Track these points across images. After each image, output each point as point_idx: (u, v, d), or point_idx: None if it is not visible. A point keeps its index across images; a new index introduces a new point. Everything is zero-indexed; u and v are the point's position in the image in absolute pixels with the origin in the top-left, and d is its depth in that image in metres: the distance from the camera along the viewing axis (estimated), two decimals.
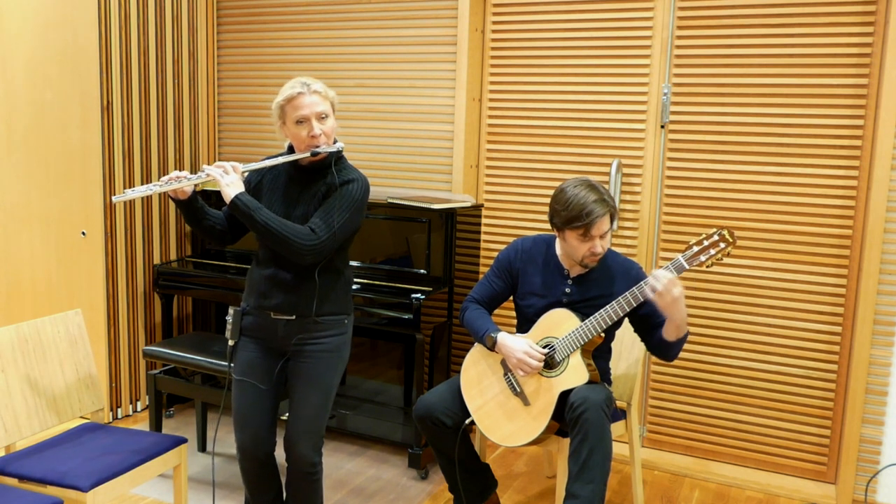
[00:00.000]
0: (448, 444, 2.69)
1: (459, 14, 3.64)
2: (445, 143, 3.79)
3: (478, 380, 2.70)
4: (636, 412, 2.98)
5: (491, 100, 3.75)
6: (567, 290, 2.64)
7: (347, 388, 3.89)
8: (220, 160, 4.35)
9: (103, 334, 3.71)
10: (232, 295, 3.67)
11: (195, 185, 2.37)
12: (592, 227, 2.47)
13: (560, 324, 2.57)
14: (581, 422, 2.42)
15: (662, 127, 3.42)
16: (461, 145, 3.71)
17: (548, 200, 2.65)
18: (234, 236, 2.52)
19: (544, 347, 2.58)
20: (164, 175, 3.97)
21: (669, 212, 3.43)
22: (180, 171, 2.38)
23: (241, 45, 4.23)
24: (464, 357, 2.77)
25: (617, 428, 2.84)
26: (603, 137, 3.52)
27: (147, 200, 3.88)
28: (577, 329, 2.52)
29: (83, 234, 3.69)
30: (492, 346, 2.63)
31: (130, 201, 3.79)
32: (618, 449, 3.30)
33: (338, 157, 2.39)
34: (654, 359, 3.48)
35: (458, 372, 2.75)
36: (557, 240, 2.67)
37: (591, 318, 2.50)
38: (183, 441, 2.63)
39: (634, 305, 2.46)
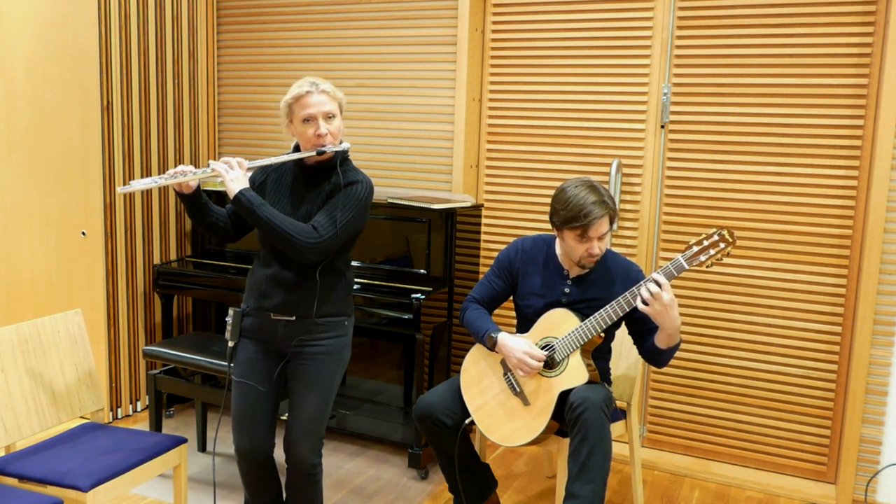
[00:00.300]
0: (448, 444, 2.69)
1: (459, 14, 3.64)
2: (445, 143, 3.79)
3: (478, 380, 2.70)
4: (636, 412, 2.98)
5: (491, 100, 3.75)
6: (566, 290, 2.64)
7: (347, 388, 3.89)
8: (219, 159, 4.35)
9: (103, 334, 3.71)
10: (232, 295, 3.68)
11: (200, 181, 2.36)
12: (590, 229, 2.47)
13: (560, 324, 2.57)
14: (581, 422, 2.42)
15: (662, 127, 3.42)
16: (461, 145, 3.71)
17: (548, 200, 2.65)
18: (237, 234, 2.51)
19: (544, 347, 2.58)
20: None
21: (669, 212, 3.43)
22: (185, 165, 2.38)
23: (241, 45, 4.23)
24: (464, 357, 2.77)
25: (617, 428, 2.84)
26: (603, 137, 3.52)
27: (147, 201, 3.88)
28: (576, 329, 2.52)
29: (83, 234, 3.69)
30: (492, 346, 2.63)
31: (131, 202, 3.79)
32: (618, 449, 3.30)
33: (343, 158, 2.39)
34: None
35: (458, 372, 2.75)
36: (557, 240, 2.67)
37: (591, 318, 2.50)
38: (183, 441, 2.63)
39: (633, 307, 2.46)
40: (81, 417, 2.87)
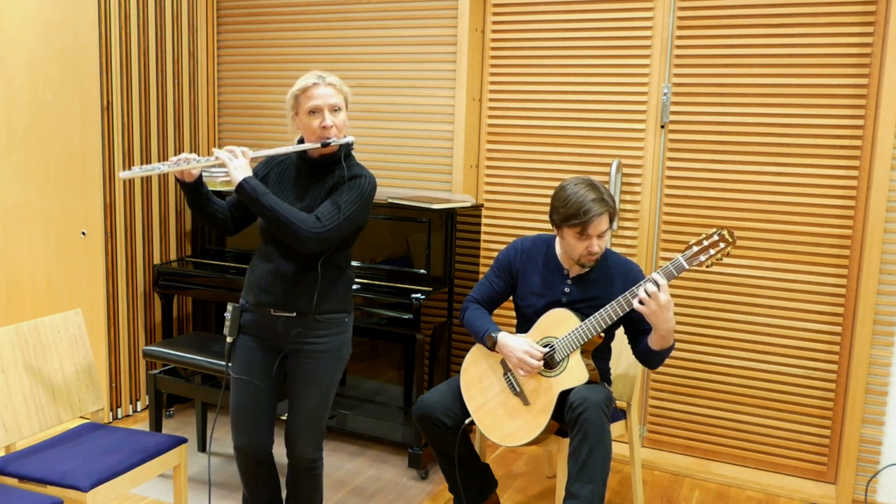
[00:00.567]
0: (448, 444, 2.69)
1: (459, 14, 3.64)
2: (445, 143, 3.79)
3: (478, 379, 2.70)
4: (636, 412, 2.98)
5: (491, 100, 3.75)
6: (566, 289, 2.64)
7: (347, 388, 3.89)
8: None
9: (103, 334, 3.71)
10: (232, 295, 3.67)
11: (202, 169, 2.35)
12: (589, 226, 2.47)
13: (560, 324, 2.57)
14: (581, 422, 2.42)
15: (662, 127, 3.42)
16: (461, 145, 3.71)
17: (548, 200, 2.65)
18: (236, 227, 2.49)
19: (544, 347, 2.58)
20: (162, 179, 3.97)
21: (669, 212, 3.43)
22: (189, 153, 2.36)
23: (241, 45, 4.23)
24: (464, 357, 2.77)
25: (617, 428, 2.84)
26: (603, 137, 3.53)
27: (147, 201, 3.88)
28: (576, 329, 2.52)
29: (83, 234, 3.69)
30: (492, 346, 2.63)
31: (131, 202, 3.78)
32: (618, 449, 3.30)
33: (347, 152, 2.39)
34: None
35: (458, 372, 2.75)
36: (557, 239, 2.67)
37: (591, 318, 2.50)
38: (183, 441, 2.63)
39: (632, 307, 2.46)
40: (81, 417, 2.87)
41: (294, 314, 2.38)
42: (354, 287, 3.02)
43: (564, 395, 2.51)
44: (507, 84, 3.70)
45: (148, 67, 3.81)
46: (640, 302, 2.36)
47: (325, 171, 2.39)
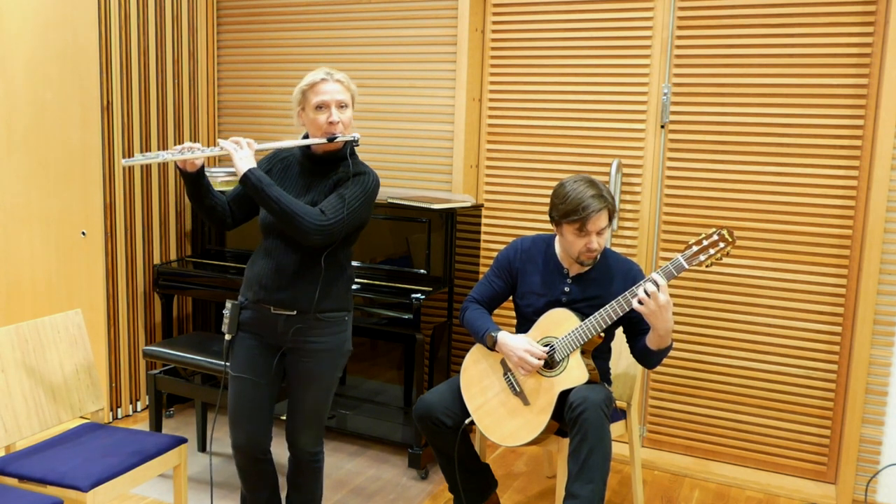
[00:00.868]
0: (448, 444, 2.69)
1: (459, 14, 3.64)
2: (445, 143, 3.79)
3: (478, 379, 2.70)
4: (636, 412, 2.98)
5: (491, 100, 3.75)
6: (566, 289, 2.64)
7: (347, 388, 3.89)
8: (219, 158, 4.35)
9: (103, 334, 3.71)
10: (232, 295, 3.66)
11: (205, 160, 2.33)
12: (588, 222, 2.47)
13: (560, 323, 2.57)
14: (580, 422, 2.42)
15: (662, 127, 3.42)
16: (461, 145, 3.71)
17: (548, 200, 2.65)
18: (235, 221, 2.47)
19: (544, 347, 2.57)
20: (162, 179, 3.97)
21: (669, 212, 3.43)
22: (193, 142, 2.35)
23: (241, 45, 4.23)
24: (464, 357, 2.77)
25: (617, 428, 2.84)
26: (603, 137, 3.53)
27: (147, 201, 3.88)
28: (576, 329, 2.52)
29: (83, 234, 3.69)
30: (492, 346, 2.63)
31: (131, 202, 3.78)
32: (618, 449, 3.30)
33: (352, 150, 2.39)
34: None
35: (458, 372, 2.75)
36: (557, 238, 2.67)
37: (591, 317, 2.50)
38: (183, 441, 2.63)
39: (632, 306, 2.46)
40: (81, 417, 2.87)
41: (294, 312, 2.37)
42: (354, 287, 3.02)
43: (564, 395, 2.51)
44: (507, 84, 3.70)
45: (148, 67, 3.81)
46: (640, 302, 2.36)
47: (329, 167, 2.39)
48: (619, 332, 2.72)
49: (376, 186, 2.40)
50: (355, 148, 2.39)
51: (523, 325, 2.70)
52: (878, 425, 3.14)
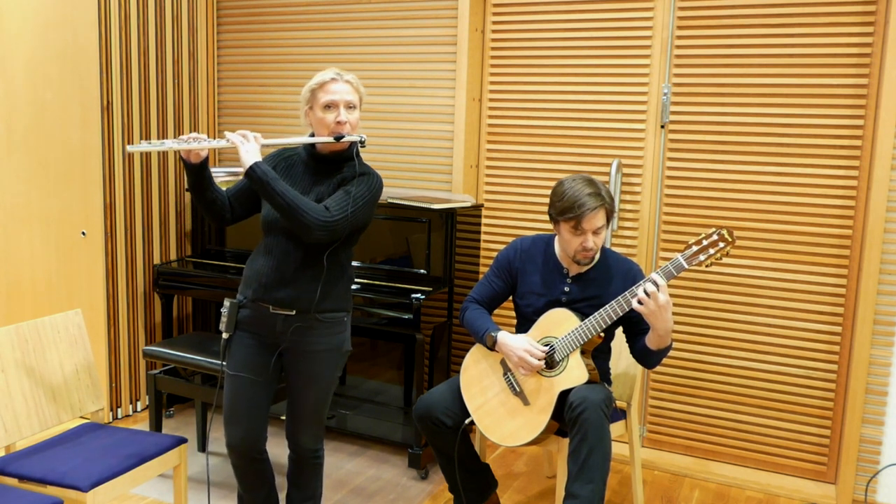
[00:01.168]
0: (448, 444, 2.69)
1: (459, 14, 3.64)
2: (445, 143, 3.79)
3: (478, 379, 2.70)
4: (636, 412, 2.98)
5: (491, 100, 3.75)
6: (566, 289, 2.64)
7: (347, 388, 3.89)
8: (219, 158, 4.36)
9: (103, 334, 3.71)
10: (232, 295, 3.67)
11: (210, 151, 2.33)
12: (584, 220, 2.48)
13: (560, 323, 2.57)
14: (580, 422, 2.42)
15: (662, 127, 3.42)
16: (461, 145, 3.71)
17: (548, 200, 2.65)
18: (234, 216, 2.46)
19: (544, 347, 2.57)
20: (162, 179, 3.97)
21: (669, 212, 3.43)
22: (199, 132, 2.34)
23: (241, 45, 4.23)
24: (464, 357, 2.77)
25: (617, 428, 2.84)
26: (603, 137, 3.53)
27: (147, 201, 3.88)
28: (576, 329, 2.52)
29: (83, 234, 3.69)
30: (492, 346, 2.63)
31: (131, 202, 3.78)
32: (618, 449, 3.30)
33: (356, 151, 2.40)
34: None
35: (458, 372, 2.75)
36: (556, 238, 2.67)
37: (591, 317, 2.50)
38: (183, 441, 2.63)
39: (632, 306, 2.46)
40: (81, 417, 2.87)
41: (293, 312, 2.36)
42: (354, 287, 3.02)
43: (564, 395, 2.51)
44: (507, 84, 3.70)
45: (148, 67, 3.81)
46: (639, 302, 2.37)
47: (334, 167, 2.39)
48: (619, 332, 2.72)
49: (380, 188, 2.40)
50: (363, 147, 2.39)
51: (523, 325, 2.70)
52: (878, 425, 3.14)
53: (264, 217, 2.40)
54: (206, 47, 4.18)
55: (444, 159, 3.81)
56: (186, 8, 4.02)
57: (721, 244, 2.38)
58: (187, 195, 4.13)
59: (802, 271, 3.24)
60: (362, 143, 2.36)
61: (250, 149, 2.26)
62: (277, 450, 3.41)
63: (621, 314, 2.47)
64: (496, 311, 2.87)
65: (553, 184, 3.38)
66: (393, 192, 3.80)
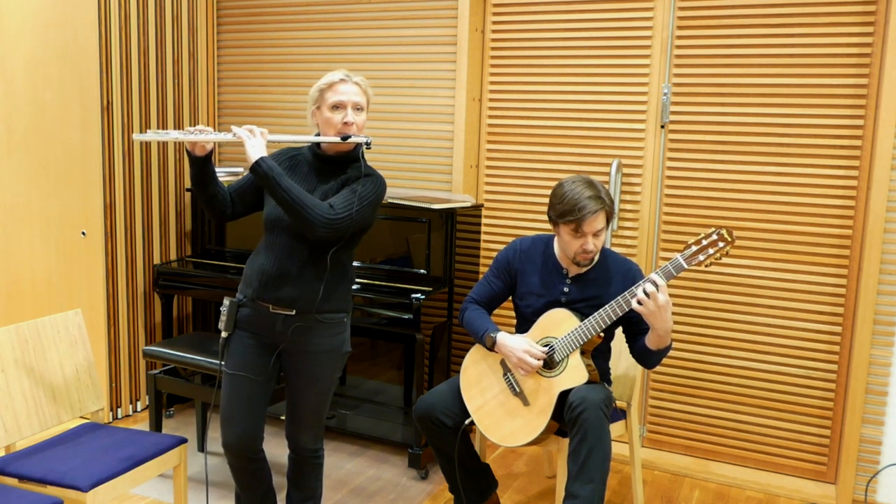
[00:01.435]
0: (448, 445, 2.69)
1: (459, 14, 3.64)
2: (445, 143, 3.79)
3: (477, 380, 2.70)
4: (636, 412, 2.98)
5: (491, 100, 3.75)
6: (565, 289, 2.64)
7: (347, 388, 3.89)
8: (220, 158, 4.36)
9: (103, 334, 3.71)
10: (232, 295, 3.67)
11: (215, 145, 2.32)
12: (584, 223, 2.47)
13: (559, 323, 2.57)
14: (580, 422, 2.42)
15: (662, 127, 3.42)
16: (461, 145, 3.71)
17: (548, 200, 2.65)
18: (234, 213, 2.45)
19: (544, 347, 2.57)
20: (162, 179, 3.97)
21: (669, 212, 3.43)
22: (205, 125, 2.34)
23: (241, 45, 4.23)
24: (464, 357, 2.77)
25: (617, 428, 2.84)
26: (603, 137, 3.53)
27: (147, 201, 3.88)
28: (576, 329, 2.52)
29: (83, 234, 3.69)
30: (491, 346, 2.63)
31: (131, 202, 3.78)
32: (618, 449, 3.30)
33: (361, 152, 2.40)
34: None
35: (458, 372, 2.75)
36: (555, 238, 2.67)
37: (591, 317, 2.50)
38: (183, 441, 2.63)
39: (631, 306, 2.46)
40: (81, 417, 2.87)
41: (293, 312, 2.36)
42: (354, 287, 3.02)
43: (564, 395, 2.51)
44: (507, 84, 3.70)
45: (148, 67, 3.81)
46: (639, 302, 2.36)
47: (338, 168, 2.39)
48: (619, 332, 2.72)
49: (384, 191, 2.40)
50: (368, 149, 2.39)
51: (523, 326, 2.70)
52: (878, 425, 3.14)
53: (267, 215, 2.39)
54: (206, 47, 4.18)
55: (444, 159, 3.81)
56: (186, 8, 4.02)
57: (721, 244, 2.38)
58: (187, 195, 4.13)
59: (802, 271, 3.24)
60: (368, 145, 2.36)
61: (256, 144, 2.25)
62: (277, 450, 3.41)
63: (621, 314, 2.47)
64: (496, 312, 2.87)
65: (553, 184, 3.38)
66: (393, 192, 3.80)
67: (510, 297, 2.79)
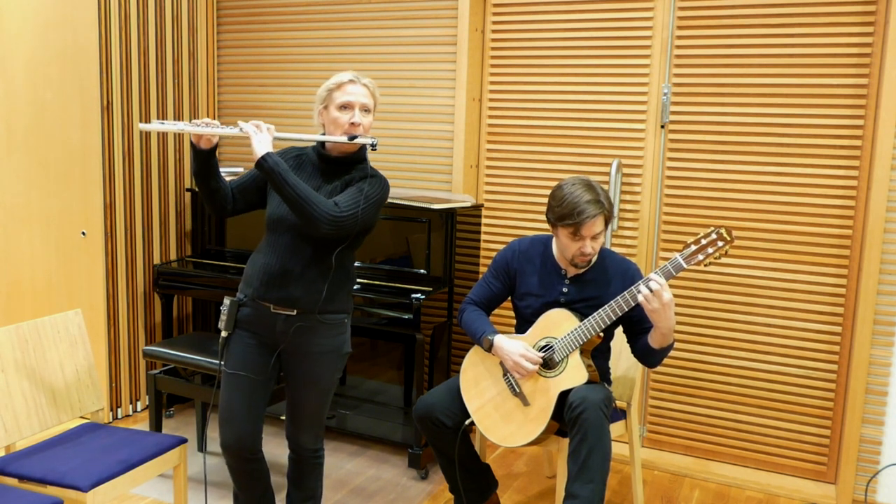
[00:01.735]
0: (448, 445, 2.69)
1: (459, 14, 3.64)
2: (445, 143, 3.79)
3: (477, 380, 2.70)
4: (636, 412, 2.98)
5: (491, 100, 3.75)
6: (564, 289, 2.64)
7: (347, 388, 3.89)
8: (220, 158, 4.36)
9: (103, 334, 3.71)
10: (232, 294, 3.67)
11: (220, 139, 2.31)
12: (583, 227, 2.47)
13: (559, 324, 2.57)
14: (580, 422, 2.42)
15: (662, 127, 3.42)
16: (461, 145, 3.71)
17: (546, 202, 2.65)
18: (235, 209, 2.44)
19: (543, 347, 2.57)
20: (162, 179, 3.97)
21: (669, 212, 3.43)
22: (211, 118, 2.33)
23: (241, 45, 4.23)
24: (464, 357, 2.77)
25: (617, 428, 2.84)
26: (603, 137, 3.53)
27: (147, 201, 3.88)
28: (575, 329, 2.52)
29: (83, 234, 3.69)
30: (488, 348, 2.63)
31: (131, 202, 3.78)
32: (618, 449, 3.30)
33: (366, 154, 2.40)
34: None
35: (458, 372, 2.75)
36: (554, 239, 2.67)
37: (590, 317, 2.50)
38: (183, 441, 2.63)
39: (631, 306, 2.46)
40: (81, 417, 2.87)
41: (294, 312, 2.35)
42: (354, 287, 3.02)
43: (564, 395, 2.51)
44: (507, 84, 3.70)
45: (148, 67, 3.81)
46: (645, 299, 2.36)
47: (342, 169, 2.39)
48: (619, 332, 2.72)
49: (388, 192, 2.41)
50: (374, 150, 2.39)
51: (522, 326, 2.70)
52: (878, 425, 3.14)
53: (270, 214, 2.39)
54: (206, 47, 4.18)
55: (444, 159, 3.81)
56: (186, 8, 4.02)
57: (720, 243, 2.38)
58: (187, 195, 4.13)
59: (802, 271, 3.24)
60: (374, 146, 2.35)
61: (263, 139, 2.25)
62: (277, 450, 3.41)
63: (620, 314, 2.47)
64: (496, 312, 2.87)
65: (553, 184, 3.38)
66: (393, 191, 3.80)
67: (509, 298, 2.79)
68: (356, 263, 3.62)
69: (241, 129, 2.26)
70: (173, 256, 4.08)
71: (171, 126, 2.23)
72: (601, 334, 2.53)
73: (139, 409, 3.94)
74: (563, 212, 2.49)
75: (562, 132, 3.61)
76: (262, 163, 2.21)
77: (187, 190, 4.13)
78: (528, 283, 2.69)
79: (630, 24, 3.42)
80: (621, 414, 2.94)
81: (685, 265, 2.40)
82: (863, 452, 3.16)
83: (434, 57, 3.77)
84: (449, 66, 3.73)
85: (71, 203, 3.70)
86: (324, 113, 2.38)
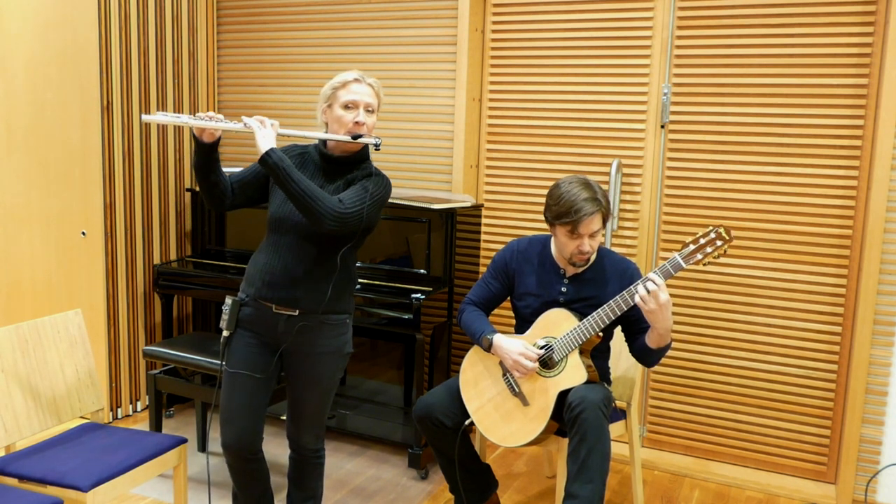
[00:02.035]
0: (448, 445, 2.69)
1: (459, 14, 3.64)
2: (445, 143, 3.79)
3: (477, 381, 2.70)
4: (636, 412, 2.98)
5: (491, 100, 3.75)
6: (563, 289, 2.64)
7: (347, 388, 3.89)
8: (220, 158, 4.35)
9: (103, 334, 3.71)
10: (232, 294, 3.67)
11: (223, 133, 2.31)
12: (580, 225, 2.47)
13: (559, 323, 2.57)
14: (579, 422, 2.42)
15: (662, 127, 3.42)
16: (461, 145, 3.71)
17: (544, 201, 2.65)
18: (234, 204, 2.43)
19: (543, 347, 2.57)
20: (162, 179, 3.98)
21: (669, 212, 3.43)
22: (215, 112, 2.32)
23: (241, 45, 4.23)
24: (463, 357, 2.77)
25: (617, 428, 2.84)
26: (603, 137, 3.53)
27: (147, 201, 3.88)
28: (575, 328, 2.52)
29: (83, 234, 3.69)
30: (488, 348, 2.63)
31: (131, 201, 3.78)
32: (618, 449, 3.30)
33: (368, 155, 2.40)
34: None
35: (458, 372, 2.75)
36: (552, 238, 2.67)
37: (589, 317, 2.50)
38: (183, 441, 2.63)
39: (630, 305, 2.46)
40: (81, 417, 2.87)
41: (297, 312, 2.35)
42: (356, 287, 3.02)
43: (564, 395, 2.51)
44: (507, 84, 3.70)
45: (148, 67, 3.81)
46: (641, 300, 2.36)
47: (344, 169, 2.38)
48: (619, 331, 2.72)
49: (390, 191, 2.41)
50: (377, 150, 2.39)
51: (522, 326, 2.70)
52: (878, 425, 3.14)
53: (273, 213, 2.38)
54: (206, 47, 4.18)
55: (444, 159, 3.81)
56: (186, 8, 4.02)
57: (718, 242, 2.38)
58: (187, 195, 4.13)
59: (802, 271, 3.24)
60: (377, 146, 2.35)
61: (266, 135, 2.24)
62: (277, 450, 3.42)
63: (619, 314, 2.47)
64: (496, 312, 2.87)
65: (552, 184, 3.37)
66: (393, 191, 3.78)
67: (508, 298, 2.79)
68: (357, 263, 3.63)
69: (245, 124, 2.25)
70: (173, 256, 4.08)
71: (173, 118, 2.22)
72: (600, 334, 2.53)
73: (139, 409, 3.94)
74: (560, 210, 2.49)
75: (562, 132, 3.61)
76: (266, 158, 2.19)
77: (187, 190, 4.13)
78: (527, 283, 2.69)
79: (630, 24, 3.42)
80: (621, 414, 2.94)
81: (684, 265, 2.40)
82: (863, 452, 3.16)
83: (434, 57, 3.77)
84: (449, 66, 3.74)
85: (71, 203, 3.70)
86: (328, 111, 2.37)
